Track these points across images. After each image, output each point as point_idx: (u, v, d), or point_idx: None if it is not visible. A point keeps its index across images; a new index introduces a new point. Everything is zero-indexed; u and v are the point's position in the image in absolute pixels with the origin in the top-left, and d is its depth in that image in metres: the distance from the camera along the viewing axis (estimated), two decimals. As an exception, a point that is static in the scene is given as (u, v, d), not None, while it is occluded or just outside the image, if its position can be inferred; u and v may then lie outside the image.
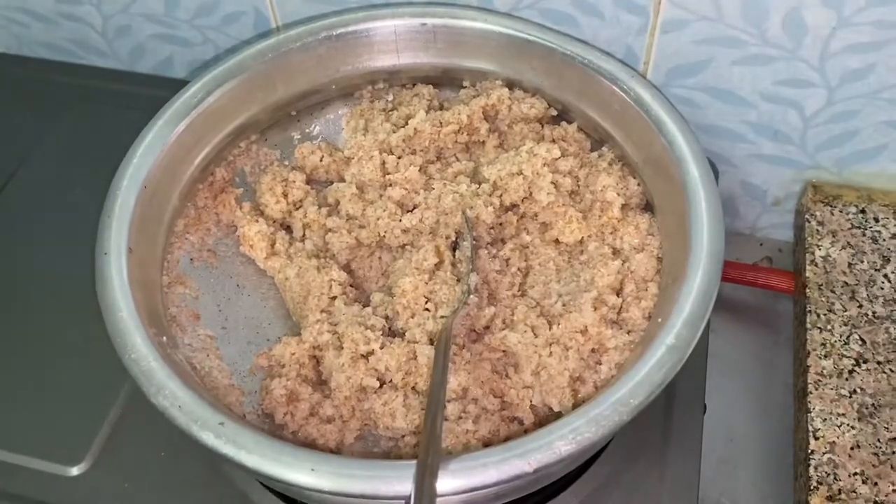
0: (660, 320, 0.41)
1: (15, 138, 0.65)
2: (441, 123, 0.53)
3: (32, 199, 0.61)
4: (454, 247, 0.50)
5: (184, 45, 0.66)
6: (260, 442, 0.38)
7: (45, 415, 0.50)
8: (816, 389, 0.50)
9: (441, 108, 0.56)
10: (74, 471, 0.48)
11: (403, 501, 0.35)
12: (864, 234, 0.56)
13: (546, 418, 0.44)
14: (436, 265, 0.48)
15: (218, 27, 0.64)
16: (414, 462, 0.37)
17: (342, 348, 0.45)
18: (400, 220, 0.50)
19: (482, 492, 0.37)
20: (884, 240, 0.55)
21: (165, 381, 0.40)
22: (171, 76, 0.70)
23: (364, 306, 0.48)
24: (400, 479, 0.36)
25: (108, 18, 0.66)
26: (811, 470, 0.47)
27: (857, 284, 0.54)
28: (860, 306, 0.53)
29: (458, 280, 0.48)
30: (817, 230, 0.56)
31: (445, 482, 0.36)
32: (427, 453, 0.36)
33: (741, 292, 0.61)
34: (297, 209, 0.53)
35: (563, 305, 0.46)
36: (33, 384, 0.51)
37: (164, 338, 0.44)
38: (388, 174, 0.52)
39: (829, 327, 0.52)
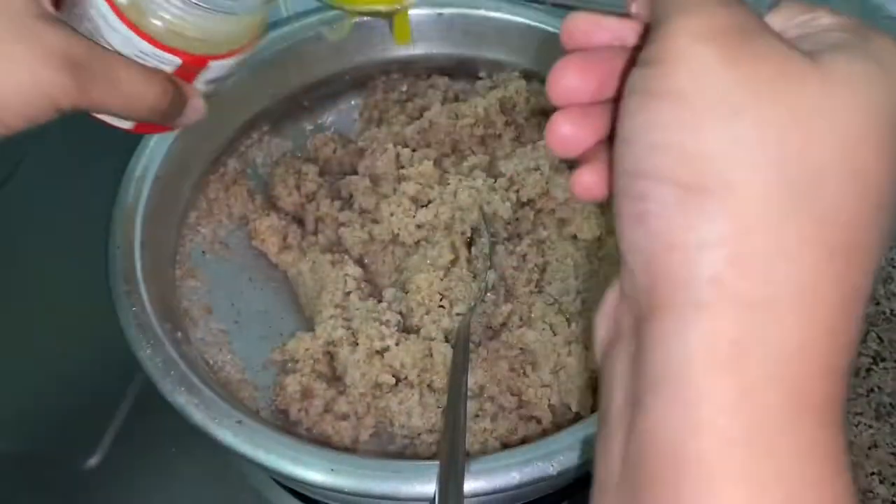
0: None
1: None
2: (457, 116, 0.52)
3: (38, 193, 0.60)
4: (470, 243, 0.49)
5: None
6: (278, 441, 0.38)
7: (57, 408, 0.50)
8: (833, 388, 0.49)
9: (456, 99, 0.55)
10: (85, 466, 0.48)
11: (428, 503, 0.35)
12: (881, 231, 0.55)
13: (564, 417, 0.44)
14: (451, 262, 0.48)
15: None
16: (433, 462, 0.36)
17: (357, 344, 0.45)
18: (414, 217, 0.49)
19: (503, 494, 0.36)
20: (902, 237, 0.55)
21: (181, 377, 0.39)
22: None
23: (378, 302, 0.48)
24: (421, 480, 0.36)
25: (116, 4, 0.65)
26: (828, 469, 0.47)
27: (874, 282, 0.53)
28: (877, 304, 0.52)
29: (474, 277, 0.47)
30: (834, 226, 0.56)
31: (467, 484, 0.36)
32: (450, 455, 0.36)
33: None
34: (310, 202, 0.52)
35: (583, 302, 0.46)
36: (46, 378, 0.51)
37: (179, 333, 0.43)
38: (402, 167, 0.52)
39: (846, 325, 0.52)
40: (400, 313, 0.47)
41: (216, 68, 0.34)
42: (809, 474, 0.19)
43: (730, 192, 0.19)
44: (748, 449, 0.19)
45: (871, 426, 0.48)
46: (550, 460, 0.36)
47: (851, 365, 0.21)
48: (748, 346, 0.19)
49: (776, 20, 0.22)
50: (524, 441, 0.42)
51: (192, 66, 0.33)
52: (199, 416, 0.38)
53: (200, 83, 0.35)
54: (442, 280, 0.47)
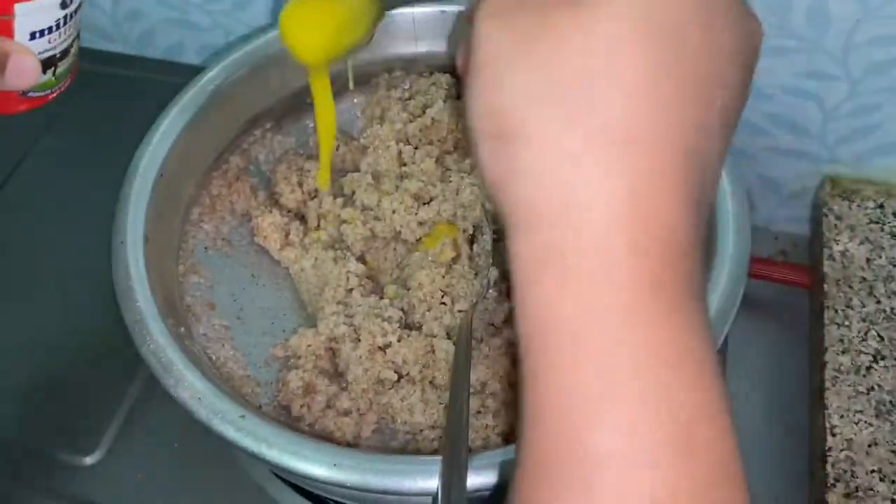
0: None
1: (21, 126, 0.64)
2: (459, 113, 0.52)
3: (41, 189, 0.60)
4: (472, 240, 0.49)
5: (194, 30, 0.65)
6: (281, 436, 0.38)
7: (60, 404, 0.50)
8: (833, 386, 0.50)
9: (459, 97, 0.55)
10: (87, 461, 0.48)
11: (431, 499, 0.35)
12: (882, 230, 0.55)
13: (566, 413, 0.44)
14: (453, 259, 0.48)
15: (229, 12, 0.63)
16: (436, 458, 0.36)
17: (359, 340, 0.45)
18: (416, 214, 0.49)
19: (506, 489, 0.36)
20: (902, 235, 0.55)
21: (185, 372, 0.39)
22: (180, 61, 0.69)
23: (380, 298, 0.48)
24: (423, 475, 0.36)
25: (119, 1, 0.65)
26: (828, 467, 0.47)
27: (875, 280, 0.53)
28: (878, 302, 0.52)
29: (476, 274, 0.48)
30: (835, 225, 0.56)
31: (469, 479, 0.36)
32: (452, 450, 0.36)
33: (754, 286, 0.60)
34: (312, 199, 0.53)
35: (584, 300, 0.46)
36: (49, 373, 0.51)
37: (181, 329, 0.43)
38: (405, 165, 0.52)
39: (846, 323, 0.52)
40: (402, 310, 0.47)
41: (28, 13, 0.33)
42: (633, 338, 0.23)
43: (523, 129, 0.24)
44: (590, 330, 0.23)
45: (871, 424, 0.48)
46: (552, 456, 0.36)
47: (686, 245, 0.24)
48: (560, 247, 0.23)
49: None
50: (526, 437, 0.42)
51: None
52: (202, 411, 0.38)
53: (23, 36, 0.33)
54: (444, 277, 0.47)
